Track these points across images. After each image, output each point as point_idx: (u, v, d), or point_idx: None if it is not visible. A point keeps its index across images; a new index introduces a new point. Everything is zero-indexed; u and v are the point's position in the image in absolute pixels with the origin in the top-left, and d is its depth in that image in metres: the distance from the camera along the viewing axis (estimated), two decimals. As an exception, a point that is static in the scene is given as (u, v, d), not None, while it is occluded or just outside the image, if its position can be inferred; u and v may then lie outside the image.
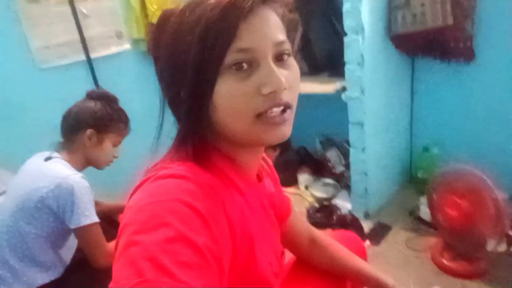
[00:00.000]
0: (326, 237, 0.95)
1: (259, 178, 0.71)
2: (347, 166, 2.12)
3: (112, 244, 1.23)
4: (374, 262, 1.72)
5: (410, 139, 2.21)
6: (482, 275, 1.56)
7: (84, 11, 1.90)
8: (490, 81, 1.77)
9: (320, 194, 2.23)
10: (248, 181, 0.64)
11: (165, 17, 0.56)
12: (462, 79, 1.86)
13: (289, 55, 0.56)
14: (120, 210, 1.63)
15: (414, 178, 2.17)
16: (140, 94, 2.27)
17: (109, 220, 1.54)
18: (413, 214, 1.96)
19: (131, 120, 1.41)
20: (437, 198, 1.67)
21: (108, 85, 2.00)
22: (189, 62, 0.51)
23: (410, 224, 1.93)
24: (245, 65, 0.52)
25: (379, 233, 1.91)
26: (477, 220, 1.50)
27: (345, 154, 2.29)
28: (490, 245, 1.52)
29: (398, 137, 2.11)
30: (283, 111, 0.54)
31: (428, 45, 1.75)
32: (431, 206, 1.72)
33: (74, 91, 1.53)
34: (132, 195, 0.53)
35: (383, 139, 1.95)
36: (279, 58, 0.55)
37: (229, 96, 0.51)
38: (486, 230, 1.50)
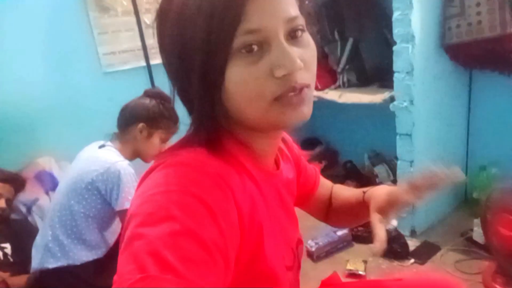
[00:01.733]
0: (339, 189, 0.91)
1: (277, 164, 0.68)
2: (396, 182, 2.04)
3: None
4: (418, 281, 1.63)
5: (466, 156, 2.08)
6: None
7: (147, 21, 2.07)
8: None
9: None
10: (263, 169, 0.61)
11: (166, 4, 0.53)
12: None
13: (303, 30, 0.52)
14: None
15: (469, 199, 2.03)
16: None
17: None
18: (466, 236, 1.83)
19: (180, 121, 1.49)
20: (492, 218, 1.54)
21: (164, 90, 2.16)
22: (196, 48, 0.48)
23: (461, 246, 1.80)
24: (255, 47, 0.48)
25: (425, 252, 1.80)
26: (536, 243, 1.37)
27: (394, 170, 2.21)
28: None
29: (452, 153, 2.00)
30: (300, 90, 0.51)
31: (486, 56, 1.66)
32: (484, 227, 1.60)
33: (133, 93, 1.66)
34: (141, 182, 0.52)
35: (434, 153, 1.86)
36: (292, 35, 0.51)
37: (240, 81, 0.48)
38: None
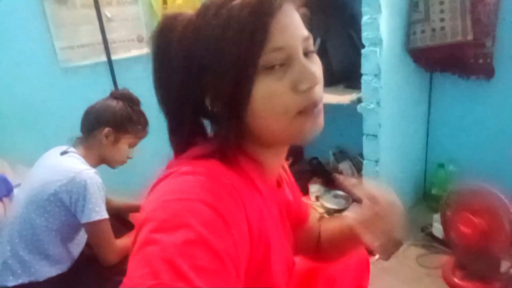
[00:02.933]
0: (326, 224, 0.91)
1: (279, 184, 0.70)
2: (360, 178, 2.10)
3: (120, 241, 1.24)
4: (383, 277, 1.69)
5: (425, 154, 2.18)
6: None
7: (108, 14, 1.95)
8: (509, 99, 1.75)
9: (331, 205, 2.21)
10: (268, 184, 0.63)
11: (171, 20, 0.55)
12: (481, 96, 1.83)
13: (313, 51, 0.57)
14: (131, 209, 1.64)
15: (428, 195, 2.13)
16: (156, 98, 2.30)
17: (119, 218, 1.55)
18: (426, 231, 1.93)
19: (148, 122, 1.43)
20: (451, 215, 1.63)
21: (127, 86, 2.06)
22: (222, 66, 0.49)
23: (422, 241, 1.89)
24: (278, 65, 0.51)
25: (389, 248, 1.87)
26: (492, 239, 1.46)
27: (358, 167, 2.28)
28: (504, 266, 1.48)
29: (412, 152, 2.09)
30: (318, 106, 0.56)
31: (447, 61, 1.73)
32: (444, 223, 1.69)
33: (94, 91, 1.57)
34: (153, 188, 0.52)
35: (397, 152, 1.93)
36: (306, 54, 0.55)
37: (267, 97, 0.51)
38: (501, 251, 1.46)
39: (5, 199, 1.57)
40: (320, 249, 0.88)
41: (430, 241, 1.88)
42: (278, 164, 0.66)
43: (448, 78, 1.90)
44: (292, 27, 0.52)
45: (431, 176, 2.13)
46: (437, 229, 1.85)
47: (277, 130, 0.54)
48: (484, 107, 1.85)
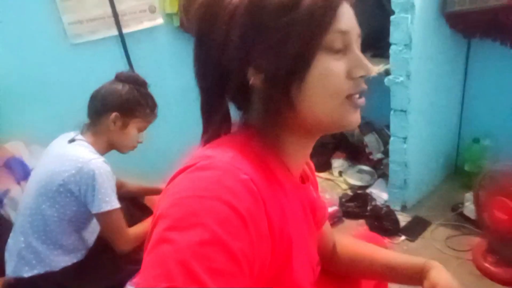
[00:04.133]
0: (346, 238, 0.88)
1: (303, 180, 0.69)
2: (386, 153, 1.98)
3: (134, 230, 1.22)
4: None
5: (459, 128, 2.03)
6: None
7: (117, -15, 1.84)
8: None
9: (354, 181, 2.13)
10: (291, 180, 0.61)
11: None
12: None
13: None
14: (146, 192, 1.62)
15: (460, 171, 2.00)
16: (172, 71, 2.22)
17: (135, 202, 1.53)
18: (456, 210, 1.82)
19: (161, 99, 1.36)
20: (485, 197, 1.52)
21: (140, 60, 1.99)
22: (287, 39, 0.50)
23: (452, 221, 1.80)
24: (340, 47, 0.52)
25: (416, 229, 1.79)
26: (529, 225, 1.35)
27: (385, 140, 2.15)
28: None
29: (445, 127, 1.94)
30: (361, 97, 0.56)
31: (488, 26, 1.55)
32: (477, 205, 1.58)
33: (106, 66, 1.50)
34: (171, 180, 0.50)
35: (428, 128, 1.80)
36: (357, 46, 0.56)
37: (324, 75, 0.52)
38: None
39: (23, 183, 1.57)
40: (337, 262, 0.85)
41: (460, 222, 1.78)
42: (304, 159, 0.64)
43: (488, 46, 1.71)
44: (353, 18, 0.55)
45: (464, 151, 1.99)
46: (469, 209, 1.74)
47: (322, 112, 0.54)
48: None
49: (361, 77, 0.54)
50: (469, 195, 1.78)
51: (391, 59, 1.59)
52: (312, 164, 0.76)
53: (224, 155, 0.50)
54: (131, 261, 1.19)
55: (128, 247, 1.18)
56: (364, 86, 0.55)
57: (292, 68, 0.51)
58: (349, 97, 0.54)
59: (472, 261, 1.58)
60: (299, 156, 0.62)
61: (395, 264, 0.78)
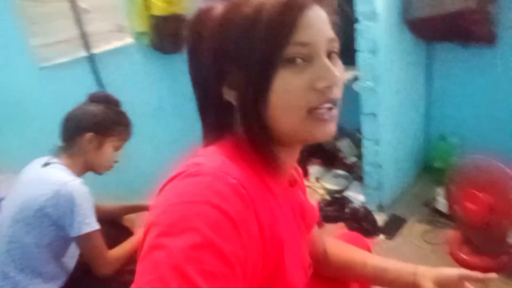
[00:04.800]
0: (336, 242, 0.91)
1: (291, 184, 0.69)
2: (360, 156, 2.05)
3: (114, 252, 1.20)
4: (389, 257, 1.68)
5: (426, 127, 2.13)
6: (504, 269, 1.51)
7: (84, 6, 1.82)
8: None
9: (331, 186, 2.18)
10: (280, 184, 0.62)
11: (205, 11, 0.55)
12: (482, 63, 1.77)
13: (337, 54, 0.57)
14: (125, 211, 1.59)
15: (430, 168, 2.10)
16: (145, 89, 2.21)
17: (113, 224, 1.50)
18: (429, 206, 1.90)
19: (135, 118, 1.36)
20: (456, 191, 1.60)
21: (112, 80, 1.97)
22: (248, 55, 0.51)
23: (426, 216, 1.88)
24: (300, 60, 0.52)
25: (393, 227, 1.85)
26: (498, 214, 1.43)
27: (357, 144, 2.23)
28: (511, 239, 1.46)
29: (413, 126, 2.03)
30: (331, 108, 0.54)
31: (447, 30, 1.64)
32: (449, 199, 1.66)
33: (77, 88, 1.48)
34: (161, 189, 0.51)
35: (397, 129, 1.88)
36: (328, 55, 0.54)
37: (284, 90, 0.51)
38: (507, 224, 1.44)
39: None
40: (328, 266, 0.87)
41: (434, 216, 1.86)
42: (291, 164, 0.65)
43: (447, 47, 1.82)
44: (319, 26, 0.53)
45: (432, 149, 2.09)
46: (441, 204, 1.83)
47: (289, 127, 0.54)
48: (486, 76, 1.78)
49: (327, 87, 0.52)
50: (440, 190, 1.87)
51: (358, 65, 1.66)
52: (300, 170, 0.77)
53: (213, 162, 0.51)
54: (113, 283, 1.17)
55: (110, 270, 1.16)
56: (333, 96, 0.54)
57: (256, 84, 0.51)
58: (313, 110, 0.53)
59: (449, 253, 1.65)
60: (285, 162, 0.62)
61: (387, 269, 0.82)
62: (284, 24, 0.50)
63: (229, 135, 0.58)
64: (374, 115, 1.72)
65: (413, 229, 1.83)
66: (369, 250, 0.99)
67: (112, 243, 1.22)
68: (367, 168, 1.90)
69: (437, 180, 1.90)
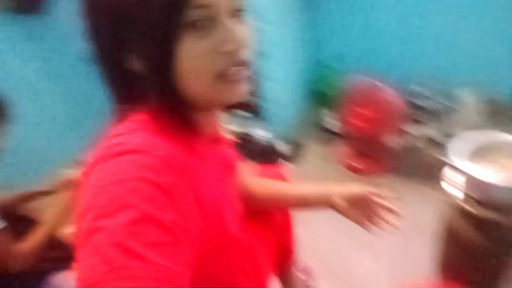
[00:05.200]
0: (256, 179, 0.96)
1: (218, 140, 0.69)
2: (258, 95, 2.12)
3: (24, 245, 1.11)
4: (298, 181, 1.85)
5: (312, 57, 2.27)
6: (389, 168, 1.81)
7: None
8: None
9: (237, 128, 2.24)
10: (205, 143, 0.62)
11: None
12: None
13: (243, 11, 0.54)
14: (22, 199, 1.43)
15: (318, 93, 2.29)
16: (14, 63, 1.87)
17: (15, 216, 1.35)
18: (322, 128, 2.11)
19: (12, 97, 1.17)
20: (344, 111, 1.80)
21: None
22: (148, 22, 0.48)
23: (321, 138, 2.09)
24: (203, 23, 0.49)
25: (296, 153, 2.03)
26: (379, 125, 1.68)
27: (257, 84, 2.29)
28: (391, 142, 1.73)
29: (299, 57, 2.16)
30: (242, 67, 0.53)
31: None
32: (338, 119, 1.87)
33: None
34: (87, 175, 0.48)
35: (286, 62, 1.98)
36: (235, 15, 0.52)
37: (189, 55, 0.49)
38: (388, 132, 1.70)
39: None
40: (254, 200, 0.91)
41: (327, 136, 2.08)
42: (212, 124, 0.64)
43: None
44: None
45: (319, 75, 2.26)
46: (330, 124, 2.04)
47: (200, 92, 0.52)
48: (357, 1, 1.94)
49: (233, 50, 0.51)
50: (330, 113, 2.09)
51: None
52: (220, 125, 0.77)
53: (135, 139, 0.50)
54: (34, 276, 1.10)
55: (24, 264, 1.08)
56: (242, 58, 0.52)
57: (159, 51, 0.49)
58: (221, 73, 0.51)
59: (344, 165, 1.90)
60: (207, 124, 0.61)
61: (306, 197, 0.90)
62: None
63: (144, 106, 0.55)
64: (262, 54, 1.76)
65: (313, 151, 2.03)
66: (286, 181, 1.05)
67: (18, 235, 1.12)
68: (264, 105, 1.99)
69: (326, 104, 2.10)
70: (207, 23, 0.50)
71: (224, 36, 0.50)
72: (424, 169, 1.77)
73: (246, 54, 0.53)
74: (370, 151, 1.80)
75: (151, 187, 0.44)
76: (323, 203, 0.88)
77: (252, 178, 0.96)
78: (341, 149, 1.97)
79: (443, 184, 1.04)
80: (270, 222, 0.96)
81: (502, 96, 1.87)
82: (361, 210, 0.85)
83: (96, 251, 0.39)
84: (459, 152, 0.96)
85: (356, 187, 0.89)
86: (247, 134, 2.17)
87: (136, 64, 0.52)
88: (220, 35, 0.50)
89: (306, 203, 0.91)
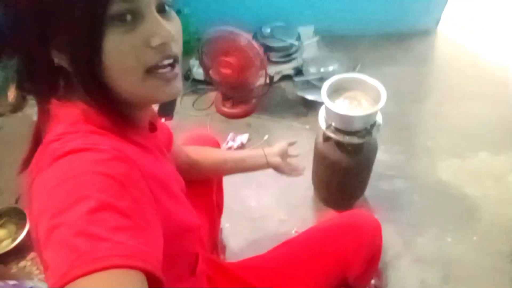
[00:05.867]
0: (195, 149, 0.99)
1: (152, 130, 0.68)
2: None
3: None
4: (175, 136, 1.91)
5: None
6: (258, 109, 2.01)
7: None
8: None
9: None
10: (143, 133, 0.62)
11: None
12: None
13: (170, 6, 0.54)
14: None
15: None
16: None
17: None
18: (189, 78, 2.14)
19: None
20: (209, 61, 1.87)
21: None
22: (72, 15, 0.46)
23: (190, 88, 2.13)
24: (129, 17, 0.48)
25: (169, 107, 2.05)
26: (245, 70, 1.81)
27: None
28: (256, 84, 1.91)
29: None
30: (173, 66, 0.53)
31: None
32: (204, 68, 1.92)
33: None
34: (32, 183, 0.47)
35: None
36: (160, 9, 0.52)
37: (116, 50, 0.48)
38: (252, 75, 1.85)
39: None
40: (195, 170, 0.95)
41: (196, 86, 2.14)
42: (146, 114, 0.63)
43: None
44: None
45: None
46: (198, 73, 2.09)
47: (129, 89, 0.52)
48: None
49: (162, 44, 0.50)
50: (193, 61, 2.12)
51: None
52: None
53: (74, 140, 0.49)
54: None
55: None
56: (172, 52, 0.52)
57: (85, 46, 0.48)
58: (152, 69, 0.51)
59: (217, 111, 2.02)
60: (141, 117, 0.61)
61: (244, 159, 1.01)
62: None
63: (72, 103, 0.53)
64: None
65: (185, 103, 2.08)
66: (218, 146, 1.13)
67: None
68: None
69: (187, 52, 2.12)
70: (134, 17, 0.49)
71: (151, 29, 0.49)
72: (284, 103, 2.04)
73: (176, 48, 0.53)
74: (238, 96, 1.95)
75: (103, 178, 0.44)
76: (262, 163, 1.01)
77: (190, 147, 0.98)
78: (212, 97, 2.07)
79: (319, 121, 1.26)
80: (210, 189, 1.03)
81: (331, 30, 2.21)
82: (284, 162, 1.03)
83: (60, 245, 0.38)
84: (323, 94, 1.18)
85: (279, 144, 1.05)
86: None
87: (59, 59, 0.50)
88: (147, 29, 0.49)
89: (244, 165, 1.02)
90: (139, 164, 0.51)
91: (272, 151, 1.04)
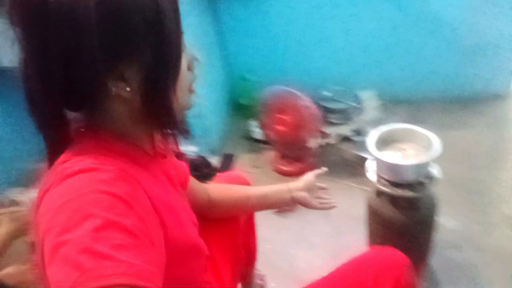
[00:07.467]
0: (217, 186, 0.99)
1: (163, 156, 0.70)
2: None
3: None
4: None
5: (228, 71, 2.38)
6: (313, 167, 1.96)
7: None
8: (288, 10, 2.06)
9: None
10: (150, 159, 0.63)
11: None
12: (263, 8, 2.08)
13: None
14: None
15: (239, 105, 2.40)
16: None
17: None
18: (248, 137, 2.22)
19: None
20: (265, 119, 1.93)
21: None
22: (161, 43, 0.52)
23: (249, 147, 2.20)
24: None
25: (227, 164, 2.11)
26: (300, 128, 1.83)
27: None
28: (312, 143, 1.91)
29: (218, 73, 2.25)
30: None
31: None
32: (262, 127, 1.99)
33: None
34: (39, 203, 0.49)
35: (207, 79, 2.05)
36: None
37: (183, 69, 0.57)
38: (307, 134, 1.86)
39: None
40: (216, 208, 0.94)
41: (254, 145, 2.20)
42: (150, 137, 0.64)
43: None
44: None
45: (237, 88, 2.38)
46: (256, 133, 2.16)
47: (182, 104, 0.60)
48: (267, 19, 2.11)
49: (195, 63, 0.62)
50: (253, 122, 2.21)
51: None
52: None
53: (83, 160, 0.50)
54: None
55: None
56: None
57: (172, 74, 0.55)
58: (190, 88, 0.63)
59: (274, 170, 2.03)
60: (147, 140, 0.63)
61: (267, 195, 0.97)
62: (176, 13, 0.54)
63: (81, 134, 0.56)
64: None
65: (244, 161, 2.13)
66: (248, 184, 1.10)
67: None
68: (189, 120, 2.03)
69: (248, 114, 2.22)
70: None
71: (192, 55, 0.61)
72: (342, 163, 1.98)
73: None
74: (294, 154, 1.95)
75: (109, 197, 0.45)
76: (286, 199, 0.96)
77: (212, 185, 0.99)
78: (269, 155, 2.10)
79: (367, 174, 1.20)
80: (234, 228, 0.99)
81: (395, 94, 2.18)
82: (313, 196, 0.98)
83: (64, 262, 0.39)
84: (370, 144, 1.14)
85: (305, 177, 1.00)
86: (178, 152, 2.20)
87: (117, 88, 0.52)
88: (189, 55, 0.60)
89: (268, 201, 0.97)
90: (144, 185, 0.53)
91: (297, 186, 0.99)
